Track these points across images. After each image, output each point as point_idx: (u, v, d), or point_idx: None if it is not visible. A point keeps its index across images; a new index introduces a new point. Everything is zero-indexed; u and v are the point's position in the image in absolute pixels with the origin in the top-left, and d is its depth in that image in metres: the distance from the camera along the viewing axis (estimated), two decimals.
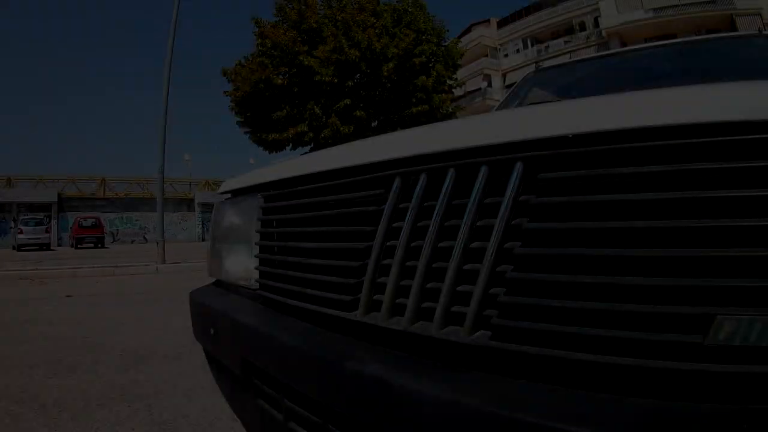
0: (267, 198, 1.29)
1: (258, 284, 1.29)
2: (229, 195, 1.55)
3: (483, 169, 0.74)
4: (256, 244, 1.31)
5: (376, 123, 19.31)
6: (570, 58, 25.10)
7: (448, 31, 19.80)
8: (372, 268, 0.86)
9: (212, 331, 1.36)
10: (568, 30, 39.61)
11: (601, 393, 0.59)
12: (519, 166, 0.70)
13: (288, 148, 19.02)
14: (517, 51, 42.67)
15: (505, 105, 3.14)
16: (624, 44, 34.93)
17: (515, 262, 0.69)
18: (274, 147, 18.75)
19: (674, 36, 32.24)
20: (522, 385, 0.65)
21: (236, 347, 1.22)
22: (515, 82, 3.58)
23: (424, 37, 18.59)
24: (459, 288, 0.74)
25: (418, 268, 0.79)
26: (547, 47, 40.22)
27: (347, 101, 17.24)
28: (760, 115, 0.56)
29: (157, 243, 13.58)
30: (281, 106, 17.83)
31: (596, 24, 37.44)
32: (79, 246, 29.12)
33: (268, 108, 17.99)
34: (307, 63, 16.62)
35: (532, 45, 41.70)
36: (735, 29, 32.12)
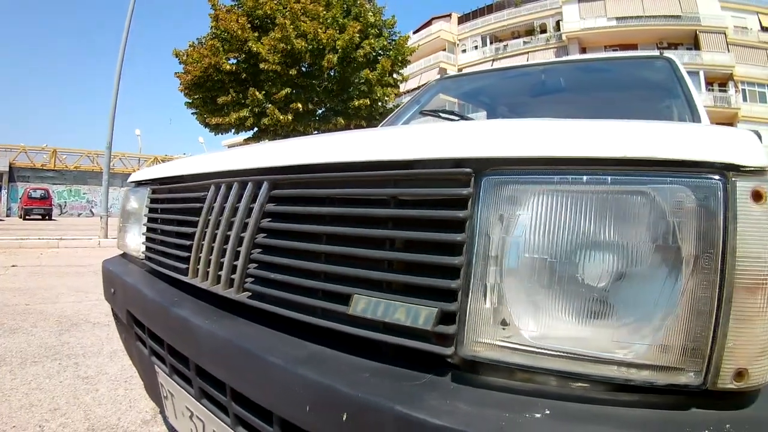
0: (153, 190, 1.67)
1: (144, 255, 1.68)
2: (134, 185, 1.91)
3: (249, 185, 1.14)
4: (144, 224, 1.70)
5: (320, 112, 19.35)
6: (527, 59, 25.15)
7: (396, 22, 19.56)
8: (195, 247, 1.27)
9: (112, 291, 1.74)
10: (528, 31, 39.64)
11: (294, 337, 0.97)
12: (266, 184, 1.10)
13: (232, 132, 19.10)
14: (475, 47, 42.50)
15: (406, 108, 3.31)
16: (583, 49, 35.05)
17: (260, 248, 1.10)
18: (218, 130, 18.72)
19: (635, 46, 32.55)
20: (258, 329, 1.05)
21: (124, 302, 1.60)
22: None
23: (371, 30, 18.53)
24: (234, 263, 1.14)
25: (215, 248, 1.20)
26: (505, 46, 40.17)
27: (287, 90, 17.18)
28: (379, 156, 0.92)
29: (101, 218, 13.69)
30: (228, 90, 17.81)
31: (558, 27, 37.53)
32: (27, 217, 28.61)
33: (216, 92, 17.96)
34: (255, 49, 16.60)
35: (491, 43, 41.59)
36: (698, 45, 32.54)
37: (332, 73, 18.21)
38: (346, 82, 18.44)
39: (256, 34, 17.12)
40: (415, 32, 44.94)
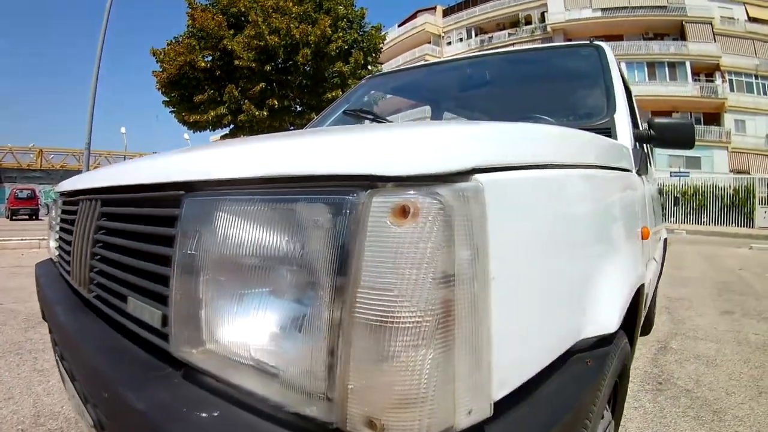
0: (63, 201, 1.86)
1: (57, 259, 1.88)
2: (59, 195, 2.09)
3: (93, 202, 1.34)
4: (55, 232, 1.91)
5: (296, 107, 19.36)
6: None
7: (366, 12, 19.43)
8: (72, 253, 1.47)
9: (38, 291, 1.93)
10: (513, 23, 39.49)
11: (114, 331, 1.13)
12: (99, 202, 1.31)
13: (209, 129, 19.06)
14: (461, 40, 42.25)
15: (335, 107, 3.28)
16: (569, 40, 35.06)
17: (96, 256, 1.31)
18: (196, 128, 18.75)
19: (620, 36, 32.45)
20: (95, 322, 1.24)
21: (40, 299, 1.81)
22: None
23: (342, 24, 18.44)
24: (86, 267, 1.35)
25: (78, 255, 1.40)
26: (491, 38, 39.95)
27: (262, 85, 17.24)
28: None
29: None
30: (204, 88, 17.86)
31: (542, 19, 37.47)
32: (14, 217, 28.68)
33: (192, 90, 18.01)
34: (230, 47, 16.61)
35: (476, 35, 41.48)
36: (684, 36, 32.57)
37: (307, 68, 18.17)
38: (320, 77, 18.43)
39: (232, 32, 17.13)
40: (400, 25, 45.14)
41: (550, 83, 2.80)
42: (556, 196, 0.96)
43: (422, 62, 3.79)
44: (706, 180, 23.23)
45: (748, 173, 26.89)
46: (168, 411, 0.74)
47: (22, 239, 12.14)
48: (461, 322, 0.62)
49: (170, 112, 19.24)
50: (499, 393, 0.70)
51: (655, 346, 3.91)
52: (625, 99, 2.13)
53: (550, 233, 0.91)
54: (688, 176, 23.29)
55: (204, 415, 0.71)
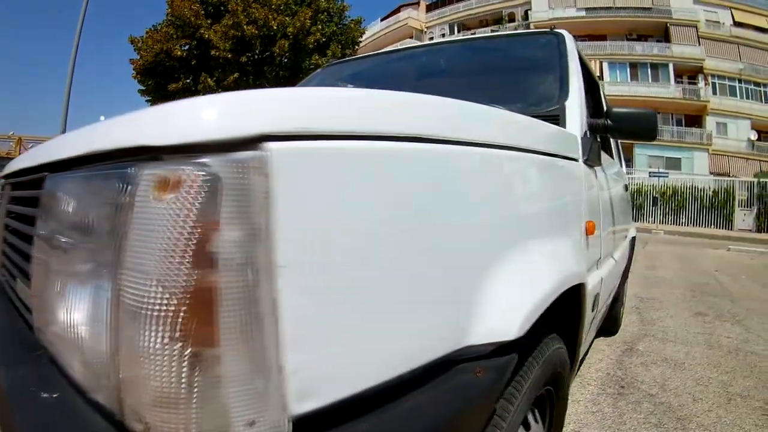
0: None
1: None
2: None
3: (9, 187, 1.30)
4: None
5: None
6: None
7: (350, 6, 19.64)
8: None
9: None
10: (496, 20, 39.01)
11: (19, 316, 1.11)
12: (9, 187, 1.27)
13: None
14: (443, 35, 41.15)
15: None
16: None
17: (5, 239, 1.26)
18: None
19: (603, 36, 32.73)
20: (4, 306, 1.18)
21: None
22: None
23: (322, 16, 18.49)
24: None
25: None
26: (473, 34, 39.02)
27: (236, 75, 17.32)
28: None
29: None
30: (179, 77, 18.04)
31: (526, 17, 37.32)
32: None
33: (168, 78, 18.14)
34: (207, 36, 16.68)
35: (459, 31, 41.00)
36: (668, 38, 32.81)
37: (284, 60, 18.27)
38: (297, 69, 18.41)
39: (209, 21, 17.14)
40: (383, 19, 45.05)
41: (507, 70, 2.67)
42: (416, 174, 0.80)
43: (381, 50, 3.61)
44: (686, 181, 23.30)
45: (729, 176, 27.05)
46: (21, 389, 0.73)
47: None
48: (230, 314, 0.54)
49: (146, 101, 19.27)
50: (304, 405, 0.60)
51: (620, 348, 3.81)
52: (581, 87, 2.01)
53: (401, 218, 0.76)
54: (667, 177, 23.44)
55: (45, 395, 0.69)
